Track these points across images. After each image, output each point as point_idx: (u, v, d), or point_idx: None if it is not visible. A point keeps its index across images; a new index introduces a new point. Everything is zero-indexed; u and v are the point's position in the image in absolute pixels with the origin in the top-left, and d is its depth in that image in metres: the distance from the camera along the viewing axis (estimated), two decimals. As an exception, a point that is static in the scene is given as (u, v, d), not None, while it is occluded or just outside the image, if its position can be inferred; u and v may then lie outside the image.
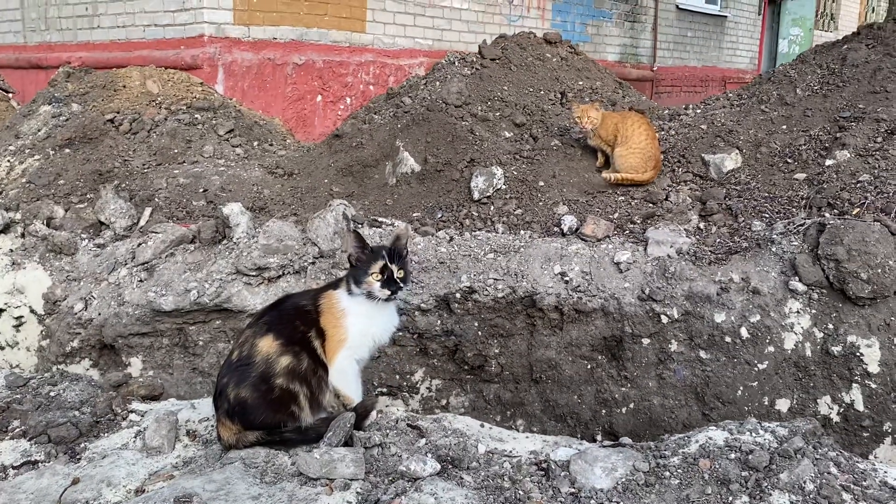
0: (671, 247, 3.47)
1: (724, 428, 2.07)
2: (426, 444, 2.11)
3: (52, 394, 2.35)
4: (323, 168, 4.82)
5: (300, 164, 4.97)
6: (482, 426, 2.29)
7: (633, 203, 4.02)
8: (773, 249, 3.33)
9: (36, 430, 2.07)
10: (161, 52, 8.22)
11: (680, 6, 14.70)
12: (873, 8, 23.50)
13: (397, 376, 3.62)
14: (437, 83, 4.92)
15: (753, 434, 2.01)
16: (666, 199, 4.00)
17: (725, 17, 16.15)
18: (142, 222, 4.47)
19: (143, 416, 2.33)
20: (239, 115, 5.54)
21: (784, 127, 4.32)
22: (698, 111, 4.95)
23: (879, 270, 3.06)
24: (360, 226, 3.87)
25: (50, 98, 5.39)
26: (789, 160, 4.08)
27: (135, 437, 2.18)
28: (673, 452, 2.01)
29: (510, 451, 2.17)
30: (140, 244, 4.07)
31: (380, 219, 3.99)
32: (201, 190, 4.70)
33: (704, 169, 4.29)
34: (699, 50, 15.72)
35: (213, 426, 2.28)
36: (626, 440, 2.21)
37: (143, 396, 2.47)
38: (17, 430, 2.11)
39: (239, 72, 8.16)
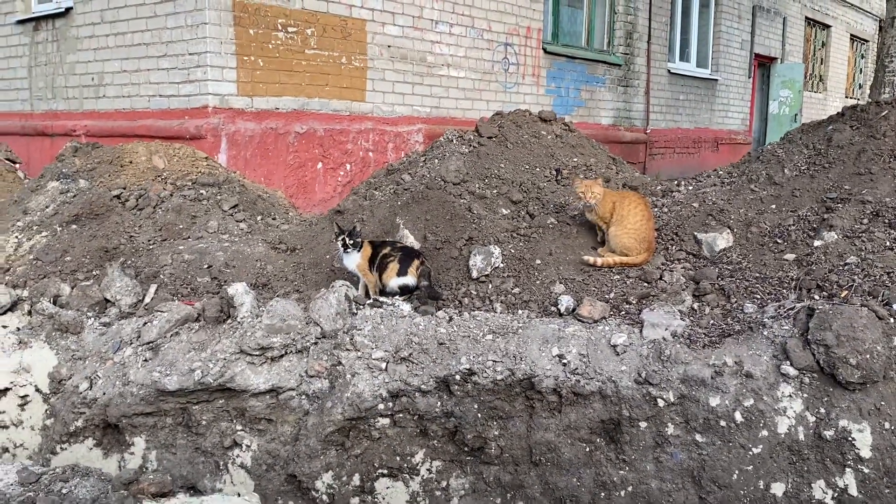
0: (666, 329, 3.56)
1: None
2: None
3: (63, 491, 2.41)
4: (325, 243, 4.92)
5: (302, 238, 5.08)
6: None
7: (628, 282, 4.12)
8: (765, 333, 3.43)
9: (51, 532, 2.13)
10: (165, 121, 8.42)
11: (671, 70, 15.04)
12: (860, 69, 24.01)
13: (398, 458, 3.67)
14: (436, 161, 5.06)
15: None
16: (660, 279, 4.11)
17: (716, 80, 16.51)
18: (147, 299, 4.56)
19: (154, 515, 2.39)
20: (243, 190, 5.67)
21: (773, 206, 4.45)
22: (690, 188, 5.09)
23: (868, 356, 3.14)
24: (361, 307, 3.96)
25: (58, 174, 5.52)
26: (779, 240, 4.20)
27: (147, 539, 2.24)
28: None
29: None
30: (146, 323, 4.15)
31: (381, 298, 4.08)
32: (205, 266, 4.79)
33: (697, 247, 4.41)
34: (691, 112, 16.04)
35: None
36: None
37: (154, 494, 2.53)
38: (33, 532, 2.17)
39: (242, 141, 8.34)
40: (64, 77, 9.62)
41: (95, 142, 9.01)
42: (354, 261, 4.18)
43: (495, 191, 4.85)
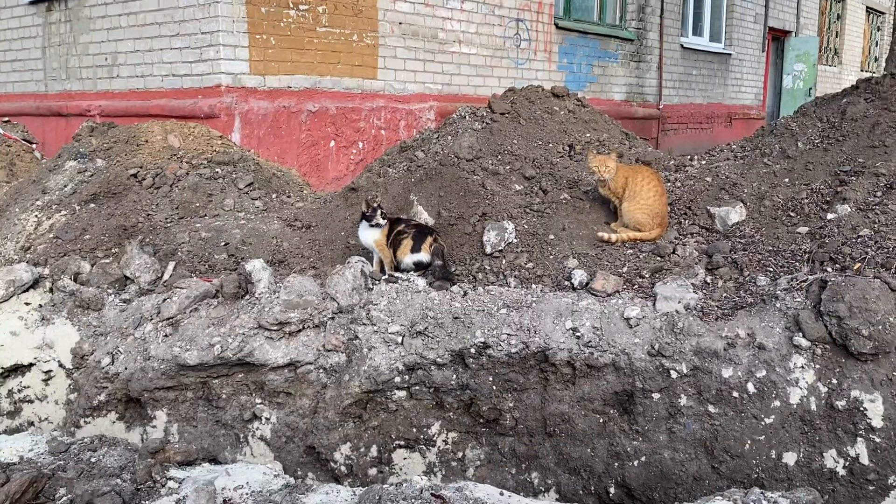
0: (679, 302, 3.60)
1: (729, 498, 2.18)
2: (450, 513, 2.23)
3: (92, 459, 2.48)
4: (339, 220, 4.97)
5: (317, 216, 5.13)
6: (501, 494, 2.40)
7: (641, 257, 4.15)
8: (778, 305, 3.45)
9: (82, 499, 2.20)
10: (179, 101, 8.47)
11: (684, 45, 14.95)
12: (876, 42, 23.75)
13: (414, 429, 3.74)
14: (449, 137, 5.09)
15: (757, 505, 2.13)
16: (673, 253, 4.13)
17: (730, 54, 16.39)
18: (165, 276, 4.62)
19: (180, 483, 2.45)
20: (258, 168, 5.72)
21: (786, 180, 4.46)
22: (703, 162, 5.10)
23: (880, 327, 3.17)
24: (377, 282, 4.01)
25: (75, 153, 5.58)
26: (792, 213, 4.21)
27: (175, 504, 2.31)
28: (681, 522, 2.12)
29: (530, 521, 2.28)
30: (165, 300, 4.22)
31: (395, 274, 4.13)
32: (222, 244, 4.85)
33: (710, 221, 4.43)
34: (704, 87, 15.94)
35: (248, 494, 2.41)
36: (637, 509, 2.32)
37: (180, 462, 2.60)
38: (64, 498, 2.24)
39: (255, 120, 8.38)
40: (77, 57, 9.67)
41: (110, 122, 9.08)
42: (374, 236, 4.22)
43: (508, 167, 4.87)
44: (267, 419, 3.96)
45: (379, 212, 4.20)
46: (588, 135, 5.33)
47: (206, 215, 5.19)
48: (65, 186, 5.28)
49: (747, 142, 5.10)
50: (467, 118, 5.29)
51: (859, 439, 3.15)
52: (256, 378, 3.99)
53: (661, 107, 14.59)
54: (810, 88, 19.05)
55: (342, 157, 9.41)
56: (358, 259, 4.07)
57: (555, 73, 12.34)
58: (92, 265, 4.68)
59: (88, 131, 6.00)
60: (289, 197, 5.60)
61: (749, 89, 17.55)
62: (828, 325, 3.27)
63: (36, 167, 7.09)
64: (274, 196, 5.54)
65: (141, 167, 5.45)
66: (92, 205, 5.15)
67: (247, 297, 4.15)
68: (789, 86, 18.59)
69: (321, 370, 3.89)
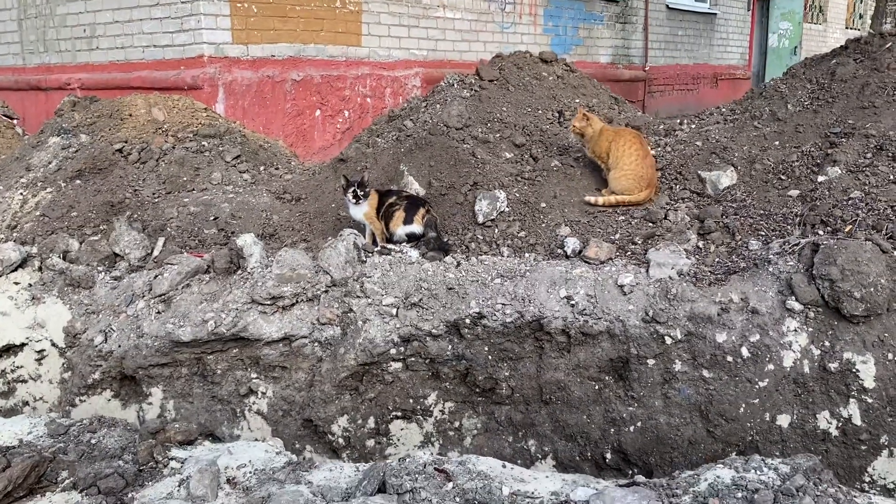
0: (672, 268, 3.61)
1: (730, 466, 2.21)
2: (453, 488, 2.24)
3: (92, 441, 2.48)
4: (329, 192, 4.94)
5: (307, 188, 5.10)
6: (504, 466, 2.42)
7: (633, 223, 4.16)
8: (770, 269, 3.47)
9: (85, 481, 2.20)
10: (161, 72, 8.35)
11: (670, 6, 14.84)
12: (861, -1, 23.65)
13: (411, 400, 3.75)
14: (438, 106, 5.04)
15: (758, 472, 2.15)
16: (665, 219, 4.14)
17: (715, 14, 16.30)
18: (155, 252, 4.59)
19: (182, 462, 2.46)
20: (244, 140, 5.65)
21: (777, 143, 4.46)
22: (692, 126, 5.08)
23: (872, 289, 3.19)
24: (370, 254, 3.99)
25: (58, 129, 5.50)
26: (783, 177, 4.21)
27: (178, 485, 2.31)
28: (684, 491, 2.14)
29: (532, 493, 2.29)
30: (156, 276, 4.19)
31: (388, 246, 4.12)
32: (212, 218, 4.81)
33: (701, 186, 4.43)
34: (690, 48, 15.86)
35: (251, 472, 2.42)
36: (640, 478, 2.34)
37: (180, 442, 2.60)
38: (67, 481, 2.23)
39: (239, 91, 8.28)
40: (55, 29, 9.49)
41: (92, 95, 8.94)
42: (362, 210, 4.20)
43: (498, 135, 4.84)
44: (263, 393, 3.96)
45: (353, 188, 4.16)
46: (577, 100, 5.30)
47: (193, 189, 5.14)
48: (49, 163, 5.21)
49: (737, 104, 5.08)
50: (455, 86, 5.24)
51: (852, 400, 3.19)
52: (251, 353, 3.98)
53: (647, 68, 14.51)
54: (796, 47, 18.99)
55: (328, 126, 9.33)
56: (350, 232, 4.05)
57: (540, 37, 12.23)
58: (80, 243, 4.63)
59: (70, 106, 5.91)
60: (277, 169, 5.55)
61: (735, 49, 17.48)
62: (820, 288, 3.29)
63: (18, 143, 6.99)
64: (262, 168, 5.49)
65: (126, 142, 5.38)
66: (78, 181, 5.08)
67: (239, 271, 4.13)
68: (775, 45, 18.53)
69: (316, 343, 3.89)
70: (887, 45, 4.60)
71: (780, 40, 18.54)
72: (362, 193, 4.19)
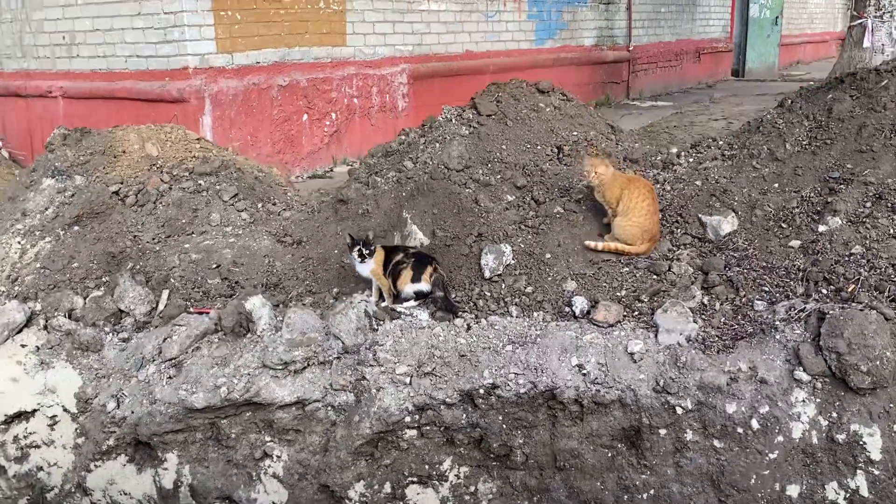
0: (681, 334, 3.68)
1: None
2: None
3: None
4: (331, 236, 4.94)
5: (307, 229, 5.09)
6: None
7: (637, 275, 4.21)
8: (777, 337, 3.55)
9: None
10: (145, 83, 8.23)
11: (652, -17, 14.75)
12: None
13: (426, 466, 3.82)
14: (437, 144, 5.03)
15: None
16: (669, 271, 4.19)
17: (697, -12, 16.22)
18: (160, 307, 4.59)
19: None
20: (240, 175, 5.61)
21: (776, 185, 4.51)
22: (690, 160, 5.12)
23: (878, 362, 3.28)
24: (380, 322, 4.02)
25: (52, 169, 5.43)
26: (783, 225, 4.27)
27: None
28: None
29: None
30: (165, 339, 4.21)
31: (398, 308, 4.15)
32: (214, 266, 4.81)
33: (702, 230, 4.48)
34: (673, 24, 15.80)
35: None
36: None
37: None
38: None
39: (225, 101, 8.19)
40: (32, 35, 9.30)
41: (75, 104, 8.81)
42: (369, 267, 4.22)
43: (499, 176, 4.85)
44: (278, 457, 4.02)
45: (358, 247, 4.18)
46: (575, 132, 5.30)
47: (193, 232, 5.12)
48: (46, 209, 5.16)
49: (734, 139, 5.12)
50: (454, 121, 5.22)
51: (859, 472, 3.30)
52: (265, 416, 4.03)
53: (631, 48, 14.46)
54: (777, 17, 18.97)
55: (316, 129, 9.26)
56: (360, 299, 4.07)
57: (525, 23, 12.14)
58: (84, 298, 4.62)
59: (61, 140, 5.82)
60: (274, 205, 5.52)
61: (717, 22, 17.43)
62: (827, 359, 3.38)
63: (7, 172, 6.90)
64: (260, 206, 5.47)
65: (122, 182, 5.33)
66: (76, 227, 5.05)
67: (248, 335, 4.16)
68: (756, 15, 18.48)
69: (329, 408, 3.94)
70: (883, 83, 4.63)
71: (762, 11, 18.50)
72: (367, 252, 4.20)
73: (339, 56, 9.42)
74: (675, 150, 5.46)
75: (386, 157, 5.35)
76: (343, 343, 3.94)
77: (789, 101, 5.17)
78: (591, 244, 4.39)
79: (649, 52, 15.06)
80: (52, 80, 9.16)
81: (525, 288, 4.21)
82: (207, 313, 4.45)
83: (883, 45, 11.86)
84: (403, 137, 5.44)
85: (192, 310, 4.53)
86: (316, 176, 9.12)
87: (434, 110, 10.65)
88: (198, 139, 5.99)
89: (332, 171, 9.38)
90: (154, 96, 8.09)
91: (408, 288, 4.17)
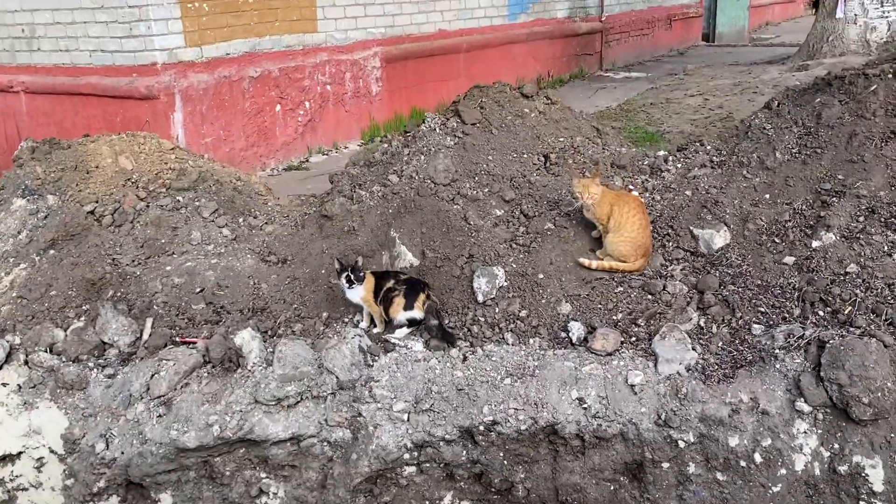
0: (680, 363, 3.65)
1: None
2: None
3: None
4: (316, 254, 4.83)
5: (292, 246, 4.97)
6: None
7: (632, 296, 4.17)
8: (777, 366, 3.53)
9: None
10: (112, 79, 7.97)
11: (624, -49, 14.55)
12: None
13: (426, 501, 3.79)
14: (422, 156, 4.92)
15: None
16: (664, 290, 4.15)
17: (668, -46, 16.03)
18: (145, 336, 4.47)
19: None
20: (219, 188, 5.45)
21: (767, 196, 4.47)
22: (679, 165, 5.06)
23: (879, 394, 3.29)
24: (376, 358, 3.95)
25: (22, 188, 5.22)
26: (776, 239, 4.24)
27: None
28: None
29: None
30: (153, 375, 4.10)
31: (391, 340, 4.07)
32: (198, 290, 4.69)
33: (694, 243, 4.45)
34: (644, -9, 15.66)
35: None
36: None
37: None
38: None
39: (196, 96, 7.97)
40: (-10, 28, 8.93)
41: (38, 99, 8.51)
42: (359, 294, 4.14)
43: (487, 189, 4.76)
44: (275, 493, 3.97)
45: (346, 273, 4.10)
46: (561, 139, 5.21)
47: (173, 253, 4.98)
48: (19, 233, 4.98)
49: (723, 144, 5.06)
50: (438, 130, 5.10)
51: (861, 503, 3.31)
52: (259, 452, 3.97)
53: (603, 18, 14.31)
54: (746, -20, 18.86)
55: (289, 120, 9.07)
56: (354, 334, 3.99)
57: (498, -1, 11.93)
58: (65, 331, 4.49)
59: (29, 153, 5.60)
60: (256, 218, 5.38)
61: (687, -13, 17.30)
62: (829, 391, 3.37)
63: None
64: (241, 220, 5.32)
65: (97, 201, 5.16)
66: (52, 251, 4.88)
67: (239, 370, 4.07)
68: (726, -21, 18.36)
69: (325, 443, 3.88)
70: (872, 88, 4.59)
71: (732, -26, 18.38)
72: (355, 278, 4.11)
73: (311, 43, 9.19)
74: (661, 154, 5.40)
75: (369, 167, 5.22)
76: (338, 378, 3.87)
77: (776, 102, 5.11)
78: (585, 262, 4.34)
79: (622, 22, 14.91)
80: (13, 74, 8.83)
81: (519, 312, 4.16)
82: (195, 343, 4.35)
83: (855, 14, 11.85)
84: (386, 146, 5.31)
85: (178, 339, 4.43)
86: (291, 168, 8.95)
87: (409, 93, 10.54)
88: (172, 148, 5.80)
89: (307, 161, 9.21)
90: (122, 93, 7.84)
91: (400, 316, 4.09)
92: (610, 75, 13.97)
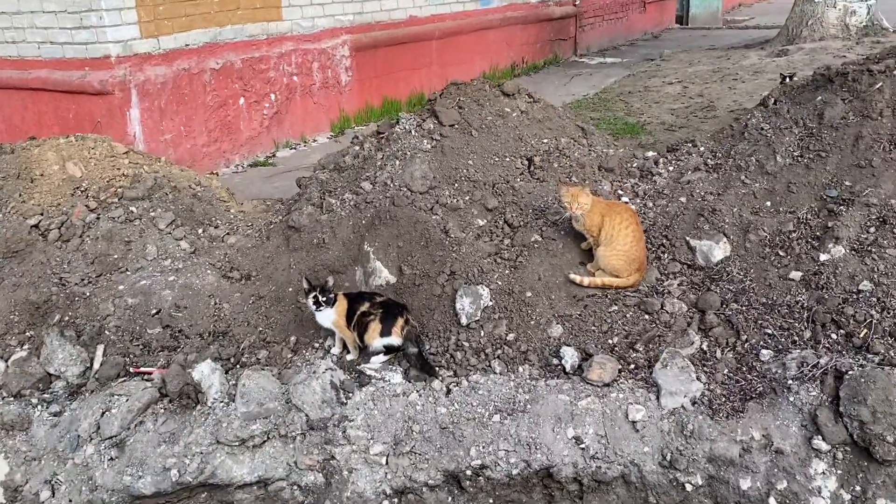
0: (685, 396, 3.33)
1: None
2: None
3: None
4: (283, 269, 4.45)
5: (256, 260, 4.58)
6: None
7: (628, 315, 3.84)
8: (791, 399, 3.23)
9: None
10: (63, 73, 7.45)
11: (598, -67, 14.15)
12: None
13: (410, 549, 3.45)
14: (397, 162, 4.54)
15: None
16: (662, 309, 3.83)
17: (643, -65, 15.67)
18: (96, 366, 4.07)
19: None
20: (176, 196, 5.03)
21: (768, 204, 4.16)
22: (671, 168, 4.73)
23: (905, 432, 2.99)
24: (350, 395, 3.58)
25: (-42, 200, 4.78)
26: (781, 252, 3.94)
27: None
28: None
29: None
30: (104, 413, 3.71)
31: (367, 371, 3.70)
32: (153, 312, 4.29)
33: (691, 255, 4.13)
34: (619, -27, 15.29)
35: None
36: None
37: None
38: None
39: (153, 90, 7.48)
40: (-71, 17, 8.33)
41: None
42: (329, 318, 3.77)
43: (468, 197, 4.40)
44: (242, 542, 3.60)
45: (314, 294, 3.74)
46: (545, 140, 4.85)
47: (127, 269, 4.56)
48: (-46, 251, 4.54)
49: (717, 145, 4.74)
50: (413, 133, 4.72)
51: (885, 551, 3.03)
52: (223, 497, 3.61)
53: (577, 2, 13.92)
54: (720, -41, 18.56)
55: (254, 113, 8.60)
56: (326, 367, 3.61)
57: (469, -17, 11.49)
58: (6, 361, 4.07)
59: (-33, 159, 5.15)
60: (217, 228, 4.97)
61: (661, -31, 16.97)
62: (849, 427, 3.08)
63: None
64: (201, 231, 4.91)
65: (42, 214, 4.73)
66: (-9, 270, 4.45)
67: (198, 406, 3.68)
68: (698, -41, 18.05)
69: (295, 487, 3.53)
70: (878, 86, 4.28)
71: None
72: (324, 300, 3.74)
73: (276, 32, 8.71)
74: (651, 155, 5.07)
75: (339, 172, 4.83)
76: (307, 417, 3.50)
77: (772, 100, 4.81)
78: (577, 279, 4.00)
79: (596, 5, 14.55)
80: (-44, 67, 8.26)
81: (507, 335, 3.81)
82: (150, 374, 3.97)
83: (835, -3, 11.60)
84: (358, 149, 4.92)
85: (132, 369, 4.03)
86: (258, 163, 8.50)
87: (379, 82, 10.10)
88: (126, 152, 5.36)
89: (274, 156, 8.76)
90: (74, 88, 7.32)
91: (377, 342, 3.74)
92: (585, 61, 13.61)
